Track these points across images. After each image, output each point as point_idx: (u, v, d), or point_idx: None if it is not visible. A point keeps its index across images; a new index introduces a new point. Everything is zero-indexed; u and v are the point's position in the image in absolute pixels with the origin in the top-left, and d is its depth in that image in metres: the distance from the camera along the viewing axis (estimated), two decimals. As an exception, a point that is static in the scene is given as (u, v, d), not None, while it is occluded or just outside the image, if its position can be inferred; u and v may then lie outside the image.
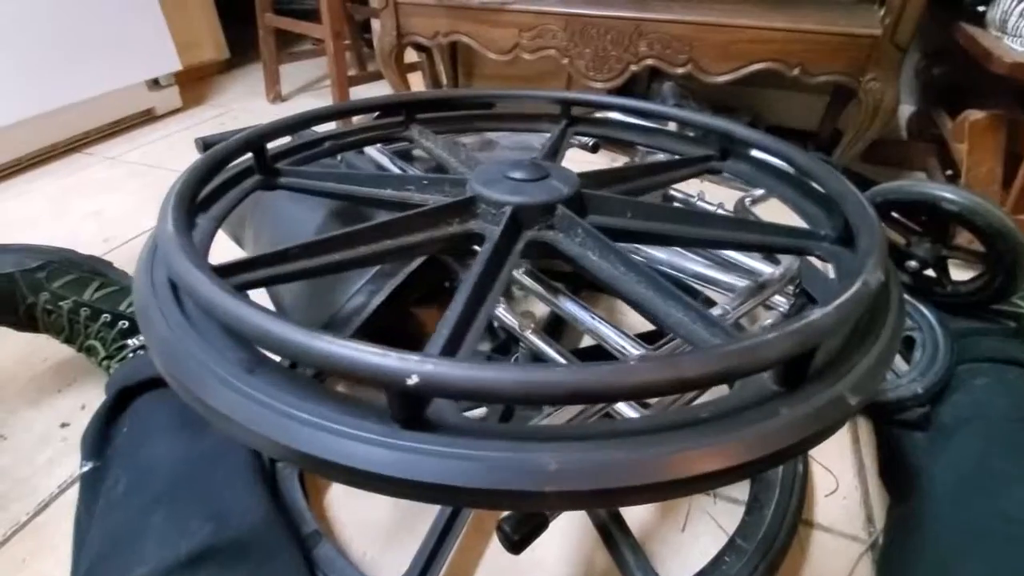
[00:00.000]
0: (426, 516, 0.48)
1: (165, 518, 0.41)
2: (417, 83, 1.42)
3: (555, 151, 0.55)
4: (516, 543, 0.37)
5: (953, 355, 0.59)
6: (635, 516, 0.51)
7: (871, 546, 0.49)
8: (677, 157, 0.58)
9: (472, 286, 0.30)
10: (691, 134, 0.61)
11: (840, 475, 0.56)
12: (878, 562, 0.48)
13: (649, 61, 0.99)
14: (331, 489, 0.53)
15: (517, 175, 0.41)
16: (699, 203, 0.75)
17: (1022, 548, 0.40)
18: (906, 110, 1.26)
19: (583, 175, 0.47)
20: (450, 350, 0.26)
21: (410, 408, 0.21)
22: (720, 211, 0.74)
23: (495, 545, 0.49)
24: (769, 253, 0.57)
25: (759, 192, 0.76)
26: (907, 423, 0.58)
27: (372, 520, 0.50)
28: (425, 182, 0.45)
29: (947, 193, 0.56)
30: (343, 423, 0.21)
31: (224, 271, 0.32)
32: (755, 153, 0.52)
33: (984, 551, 0.41)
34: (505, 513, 0.37)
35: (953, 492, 0.46)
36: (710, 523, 0.51)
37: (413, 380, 0.19)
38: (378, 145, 0.65)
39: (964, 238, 0.62)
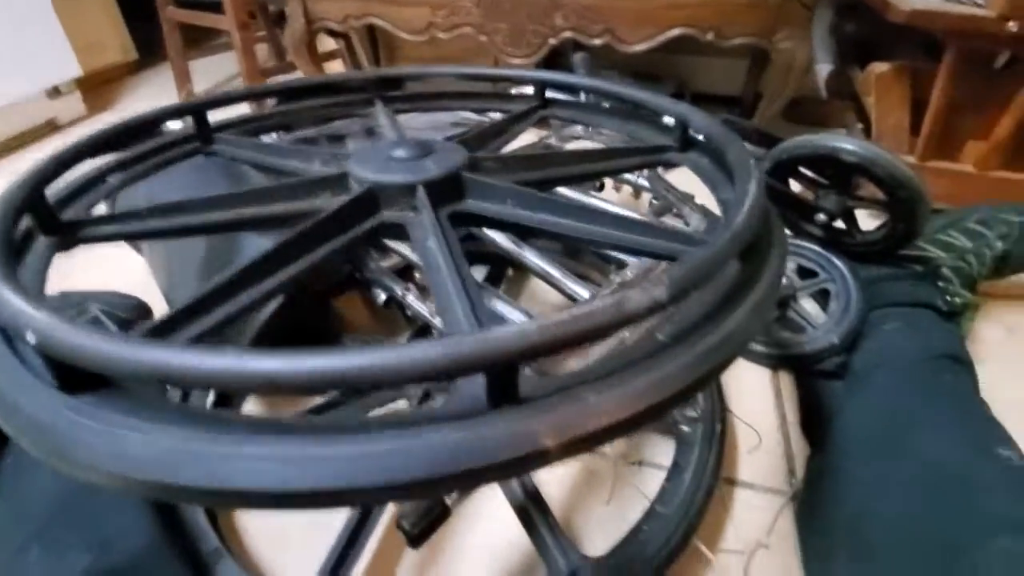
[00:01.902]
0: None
1: (42, 554, 0.37)
2: (336, 71, 1.36)
3: (498, 132, 0.51)
4: (415, 537, 0.36)
5: (865, 303, 0.60)
6: (559, 491, 0.50)
7: (792, 498, 0.50)
8: (628, 144, 0.55)
9: (250, 262, 0.28)
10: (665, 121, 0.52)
11: (762, 430, 0.56)
12: (797, 512, 0.48)
13: (567, 34, 0.97)
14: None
15: (397, 153, 0.39)
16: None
17: (935, 489, 0.40)
18: (827, 70, 1.28)
19: (502, 158, 0.45)
20: (164, 329, 0.24)
21: (62, 371, 0.20)
22: (640, 180, 0.74)
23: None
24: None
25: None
26: (825, 373, 0.59)
27: (288, 530, 0.48)
28: (327, 157, 0.44)
29: (846, 145, 0.57)
30: (20, 380, 0.21)
31: (74, 226, 0.34)
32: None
33: (899, 494, 0.41)
34: (404, 509, 0.35)
35: (867, 437, 0.47)
36: (636, 493, 0.50)
37: (31, 339, 0.19)
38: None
39: (869, 188, 0.63)
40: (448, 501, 0.36)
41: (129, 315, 0.62)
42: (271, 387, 0.17)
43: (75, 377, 0.20)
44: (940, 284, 0.60)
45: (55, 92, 1.32)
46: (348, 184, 0.39)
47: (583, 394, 0.20)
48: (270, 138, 0.61)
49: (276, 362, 0.17)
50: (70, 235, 0.33)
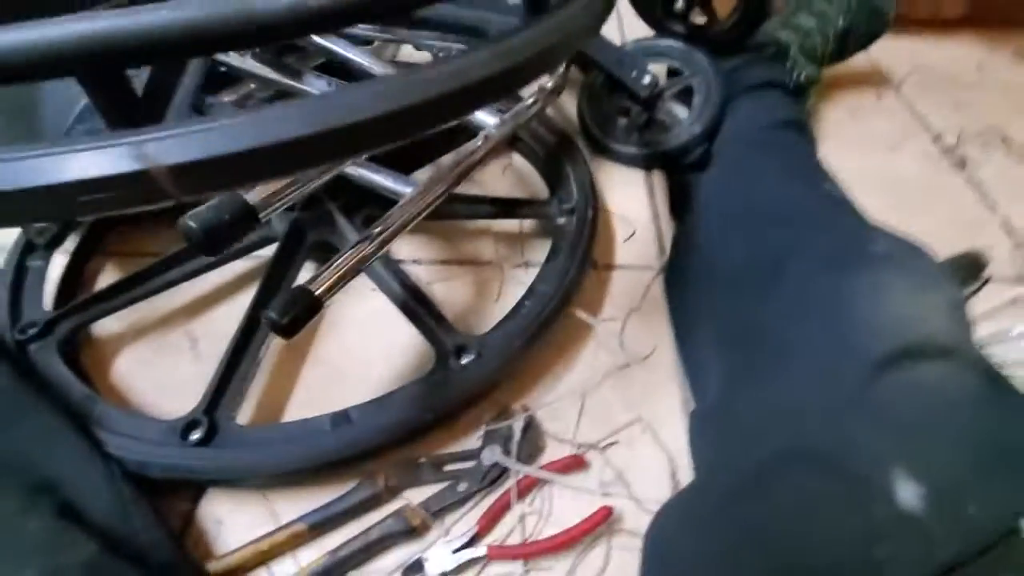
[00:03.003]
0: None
1: None
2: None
3: None
4: (285, 328, 0.35)
5: (724, 92, 0.62)
6: (450, 294, 0.52)
7: (661, 270, 0.54)
8: None
9: None
10: None
11: (637, 223, 0.59)
12: (665, 272, 0.53)
13: None
14: (122, 356, 0.48)
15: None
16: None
17: (768, 222, 0.45)
18: None
19: None
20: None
21: None
22: None
23: (311, 359, 0.47)
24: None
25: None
26: (692, 165, 0.62)
27: (174, 379, 0.46)
28: None
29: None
30: None
31: None
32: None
33: (739, 235, 0.46)
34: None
35: (715, 197, 0.51)
36: (523, 290, 0.53)
37: None
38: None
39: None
40: (318, 291, 0.36)
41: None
42: None
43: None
44: (788, 64, 0.63)
45: None
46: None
47: (219, 117, 0.17)
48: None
49: None
50: None
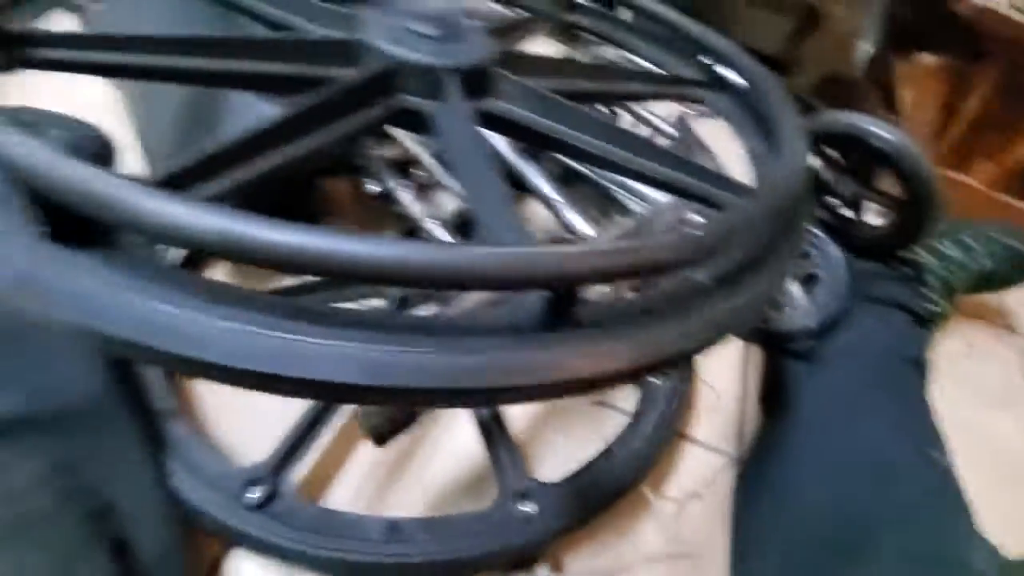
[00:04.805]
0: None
1: None
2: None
3: (515, 28, 0.46)
4: (381, 437, 0.35)
5: (850, 295, 0.61)
6: (521, 418, 0.51)
7: (735, 460, 0.52)
8: (650, 70, 0.51)
9: (270, 125, 0.25)
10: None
11: (723, 393, 0.58)
12: (739, 473, 0.51)
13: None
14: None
15: (419, 27, 0.34)
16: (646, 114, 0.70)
17: (863, 475, 0.43)
18: (870, 49, 1.23)
19: (515, 56, 0.40)
20: (174, 184, 0.21)
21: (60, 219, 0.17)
22: (666, 126, 0.70)
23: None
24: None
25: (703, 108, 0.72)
26: (794, 353, 0.60)
27: (257, 404, 0.47)
28: (335, 16, 0.37)
29: (880, 130, 0.55)
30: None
31: (20, 41, 0.27)
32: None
33: (830, 473, 0.44)
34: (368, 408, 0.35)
35: (819, 419, 0.49)
36: (592, 431, 0.52)
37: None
38: None
39: (886, 184, 0.61)
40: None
41: (95, 149, 0.56)
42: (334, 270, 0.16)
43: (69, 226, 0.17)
44: (923, 290, 0.61)
45: None
46: (360, 54, 0.34)
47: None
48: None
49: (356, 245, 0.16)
50: (14, 53, 0.27)
